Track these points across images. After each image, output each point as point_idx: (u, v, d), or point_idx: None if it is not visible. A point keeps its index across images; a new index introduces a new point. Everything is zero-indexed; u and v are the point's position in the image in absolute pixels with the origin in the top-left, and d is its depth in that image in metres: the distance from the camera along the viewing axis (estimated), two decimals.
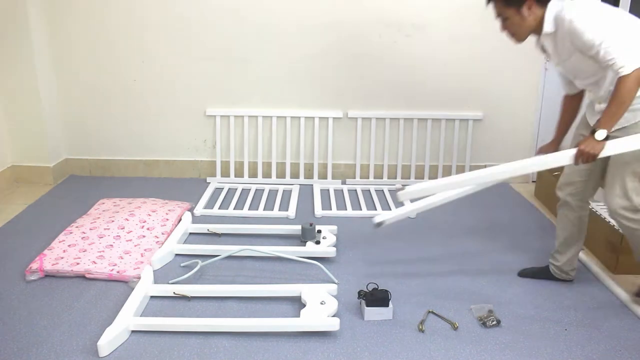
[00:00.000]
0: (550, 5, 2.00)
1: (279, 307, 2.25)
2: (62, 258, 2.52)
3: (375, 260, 2.67)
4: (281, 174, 3.80)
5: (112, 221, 2.83)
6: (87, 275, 2.44)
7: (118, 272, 2.45)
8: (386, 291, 2.19)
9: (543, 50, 2.16)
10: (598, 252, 2.70)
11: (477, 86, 3.64)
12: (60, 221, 2.97)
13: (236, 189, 3.63)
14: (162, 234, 2.83)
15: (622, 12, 1.97)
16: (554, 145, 2.37)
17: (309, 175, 3.82)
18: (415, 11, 3.53)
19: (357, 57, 3.61)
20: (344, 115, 3.74)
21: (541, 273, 2.50)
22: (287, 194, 3.55)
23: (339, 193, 3.61)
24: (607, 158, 2.09)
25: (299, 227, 2.82)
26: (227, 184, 3.72)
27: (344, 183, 3.80)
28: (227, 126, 3.75)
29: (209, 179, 3.80)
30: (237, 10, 3.51)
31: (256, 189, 3.62)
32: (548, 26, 2.00)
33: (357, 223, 3.12)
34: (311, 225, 2.76)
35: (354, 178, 3.83)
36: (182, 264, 2.59)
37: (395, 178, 3.82)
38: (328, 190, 3.65)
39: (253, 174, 3.81)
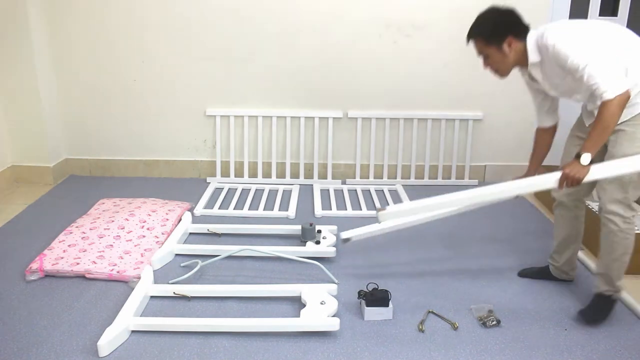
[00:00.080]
0: (529, 37, 2.04)
1: (279, 307, 2.25)
2: (62, 258, 2.52)
3: (375, 260, 2.67)
4: (281, 174, 3.80)
5: (112, 221, 2.83)
6: (87, 275, 2.44)
7: (118, 272, 2.45)
8: (386, 291, 2.19)
9: (532, 79, 2.16)
10: (598, 252, 2.69)
11: (477, 86, 3.64)
12: (60, 221, 2.97)
13: (236, 189, 3.63)
14: (162, 234, 2.83)
15: (602, 28, 1.98)
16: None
17: (309, 175, 3.82)
18: (415, 11, 3.53)
19: (357, 57, 3.61)
20: (344, 115, 3.74)
21: (541, 273, 2.51)
22: (287, 194, 3.55)
23: (339, 193, 3.61)
24: (603, 155, 2.09)
25: (299, 227, 2.82)
26: (227, 184, 3.72)
27: (344, 183, 3.80)
28: (227, 126, 3.75)
29: (209, 179, 3.80)
30: (237, 10, 3.51)
31: (256, 189, 3.62)
32: (533, 56, 2.03)
33: (357, 223, 3.10)
34: (311, 225, 2.76)
35: (354, 178, 3.83)
36: (182, 264, 2.59)
37: (395, 178, 3.82)
38: (328, 190, 3.65)
39: (253, 174, 3.81)
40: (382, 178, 3.81)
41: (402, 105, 3.72)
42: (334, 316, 2.10)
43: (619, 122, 1.95)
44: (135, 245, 2.68)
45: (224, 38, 3.57)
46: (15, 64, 3.45)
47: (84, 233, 2.73)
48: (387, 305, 2.17)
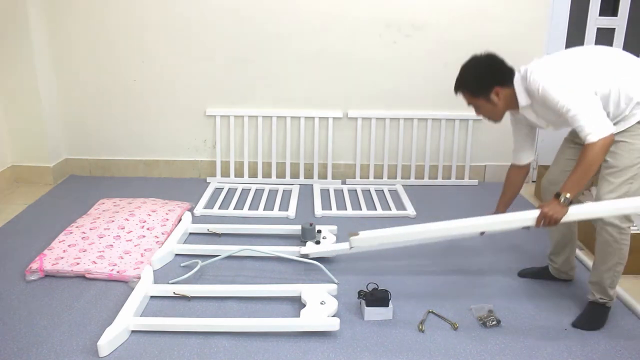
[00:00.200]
0: (515, 81, 2.05)
1: (279, 307, 2.25)
2: (62, 258, 2.52)
3: (375, 260, 2.66)
4: (281, 174, 3.80)
5: (112, 221, 2.83)
6: (87, 275, 2.44)
7: (118, 272, 2.45)
8: (386, 291, 2.19)
9: (526, 119, 2.17)
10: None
11: None
12: (60, 221, 2.97)
13: (236, 189, 3.63)
14: (162, 234, 2.83)
15: (588, 59, 1.99)
16: None
17: (309, 175, 3.82)
18: (415, 11, 3.53)
19: (357, 57, 3.61)
20: (344, 115, 3.74)
21: (541, 273, 2.51)
22: (287, 194, 3.55)
23: (339, 193, 3.61)
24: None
25: (299, 227, 2.82)
26: (227, 184, 3.72)
27: (344, 183, 3.80)
28: (227, 126, 3.75)
29: (209, 179, 3.80)
30: (237, 10, 3.51)
31: (256, 189, 3.62)
32: (523, 100, 2.04)
33: (357, 223, 3.12)
34: (311, 225, 2.76)
35: (354, 178, 3.83)
36: (182, 264, 2.59)
37: (395, 178, 3.82)
38: (328, 190, 3.65)
39: (253, 174, 3.81)
40: (382, 178, 3.81)
41: (402, 105, 3.72)
42: (334, 316, 2.10)
43: (620, 129, 1.96)
44: (135, 245, 2.68)
45: (224, 38, 3.57)
46: (15, 64, 3.45)
47: (84, 233, 2.73)
48: (387, 305, 2.17)
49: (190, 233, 2.94)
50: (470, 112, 3.70)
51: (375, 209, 3.31)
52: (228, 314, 2.20)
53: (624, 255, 2.05)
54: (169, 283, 2.39)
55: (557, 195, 1.94)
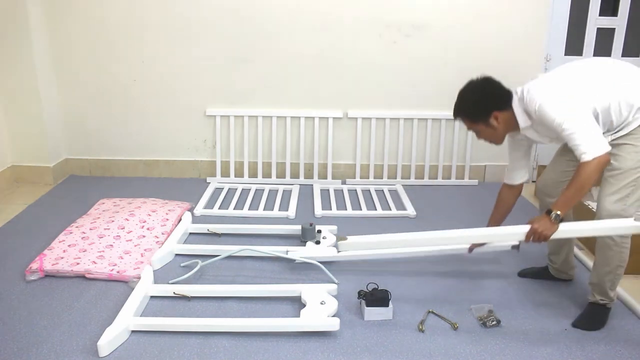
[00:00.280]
0: (514, 102, 2.05)
1: (279, 307, 2.25)
2: (62, 258, 2.52)
3: (375, 260, 2.66)
4: (281, 174, 3.80)
5: (112, 221, 2.83)
6: (87, 275, 2.44)
7: (118, 272, 2.45)
8: (386, 291, 2.19)
9: (526, 139, 2.18)
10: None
11: None
12: (60, 221, 2.97)
13: (236, 189, 3.63)
14: (162, 234, 2.83)
15: (585, 74, 1.99)
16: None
17: (309, 175, 3.82)
18: (415, 11, 3.53)
19: (357, 57, 3.61)
20: (344, 115, 3.74)
21: (541, 273, 2.51)
22: (287, 194, 3.55)
23: (339, 193, 3.61)
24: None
25: (299, 227, 2.81)
26: (227, 184, 3.72)
27: (344, 183, 3.80)
28: (227, 126, 3.75)
29: (209, 179, 3.80)
30: (237, 10, 3.51)
31: (256, 189, 3.62)
32: (523, 122, 2.05)
33: (357, 223, 3.12)
34: (311, 225, 2.76)
35: (354, 178, 3.83)
36: (182, 264, 2.59)
37: (395, 178, 3.82)
38: (328, 190, 3.65)
39: (253, 174, 3.81)
40: (382, 178, 3.81)
41: (402, 105, 3.72)
42: (334, 316, 2.10)
43: (621, 134, 1.97)
44: (135, 245, 2.68)
45: (224, 38, 3.57)
46: (15, 64, 3.45)
47: (84, 233, 2.73)
48: (387, 305, 2.17)
49: (190, 233, 2.93)
50: None
51: (375, 209, 3.31)
52: (228, 314, 2.20)
53: (625, 258, 2.05)
54: (169, 283, 2.39)
55: (549, 212, 1.95)
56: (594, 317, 2.15)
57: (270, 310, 2.23)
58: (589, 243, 2.73)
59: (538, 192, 2.35)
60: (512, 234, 2.09)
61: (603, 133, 1.99)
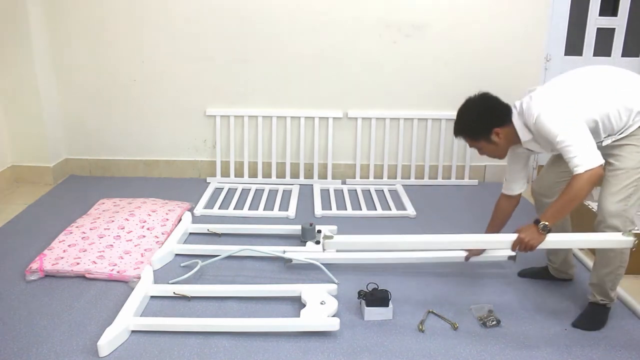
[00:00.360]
0: (513, 117, 2.05)
1: (279, 307, 2.25)
2: (62, 258, 2.52)
3: (375, 260, 2.66)
4: (281, 174, 3.80)
5: (112, 221, 2.83)
6: (87, 275, 2.44)
7: (118, 272, 2.45)
8: (386, 291, 2.19)
9: (527, 152, 2.18)
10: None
11: (478, 86, 3.61)
12: (60, 221, 2.97)
13: (236, 189, 3.63)
14: (162, 234, 2.83)
15: (584, 84, 2.00)
16: (482, 250, 2.47)
17: (309, 175, 3.82)
18: (415, 11, 3.53)
19: (357, 57, 3.61)
20: (344, 115, 3.74)
21: (541, 273, 2.51)
22: (287, 194, 3.55)
23: (339, 193, 3.61)
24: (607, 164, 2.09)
25: (299, 227, 2.82)
26: (227, 184, 3.72)
27: (344, 183, 3.80)
28: (227, 126, 3.75)
29: (209, 179, 3.80)
30: (237, 11, 3.51)
31: (256, 189, 3.62)
32: (524, 136, 2.05)
33: (357, 223, 3.12)
34: (311, 225, 2.76)
35: (354, 178, 3.83)
36: (182, 264, 2.59)
37: (395, 178, 3.82)
38: (328, 190, 3.65)
39: (253, 174, 3.81)
40: (382, 178, 3.81)
41: (402, 105, 3.72)
42: (334, 316, 2.10)
43: (623, 135, 1.97)
44: (136, 245, 2.68)
45: (224, 38, 3.57)
46: (15, 64, 3.45)
47: (84, 233, 2.73)
48: (387, 305, 2.17)
49: (190, 233, 2.93)
50: None
51: (375, 209, 3.31)
52: (228, 314, 2.20)
53: (625, 259, 2.05)
54: (169, 283, 2.39)
55: (537, 221, 1.95)
56: (594, 317, 2.15)
57: (270, 310, 2.23)
58: None
59: (534, 193, 2.36)
60: (498, 241, 2.10)
61: (605, 137, 2.01)
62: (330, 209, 3.30)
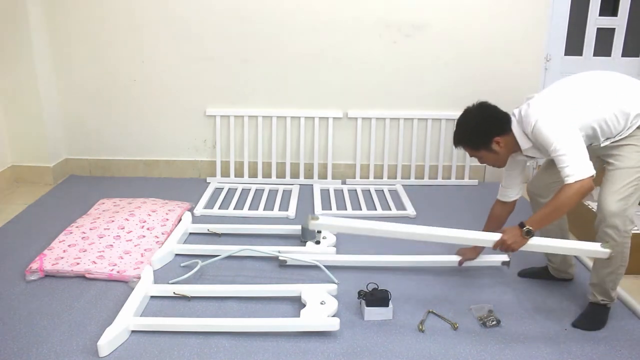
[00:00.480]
0: (513, 126, 2.06)
1: (279, 307, 2.25)
2: (62, 258, 2.52)
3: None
4: (281, 174, 3.80)
5: (112, 221, 2.83)
6: (87, 275, 2.44)
7: (118, 272, 2.45)
8: (386, 291, 2.19)
9: (526, 158, 2.19)
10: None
11: (477, 86, 3.64)
12: (60, 221, 2.97)
13: (236, 189, 3.63)
14: (162, 234, 2.83)
15: (582, 91, 2.00)
16: (476, 252, 2.50)
17: (309, 175, 3.82)
18: (415, 11, 3.53)
19: (357, 57, 3.61)
20: (344, 115, 3.74)
21: (541, 273, 2.51)
22: (287, 194, 3.55)
23: (339, 193, 3.61)
24: (601, 165, 2.10)
25: (299, 227, 2.82)
26: (227, 184, 3.72)
27: (344, 183, 3.80)
28: (227, 126, 3.75)
29: (209, 179, 3.80)
30: (237, 11, 3.51)
31: (256, 189, 3.62)
32: (524, 143, 2.06)
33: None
34: None
35: (354, 178, 3.83)
36: (182, 264, 2.59)
37: (395, 178, 3.82)
38: (328, 190, 3.65)
39: (253, 174, 3.81)
40: (382, 178, 3.81)
41: (402, 105, 3.73)
42: (334, 316, 2.10)
43: (624, 135, 1.98)
44: (135, 245, 2.68)
45: (223, 38, 3.57)
46: (15, 64, 3.45)
47: (84, 233, 2.73)
48: (387, 305, 2.17)
49: (190, 233, 2.93)
50: None
51: (375, 209, 3.31)
52: (228, 314, 2.20)
53: (626, 258, 2.05)
54: (169, 283, 2.39)
55: (522, 225, 1.99)
56: (594, 317, 2.16)
57: (270, 310, 2.23)
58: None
59: (530, 193, 2.37)
60: (482, 239, 2.11)
61: (603, 140, 2.01)
62: (330, 209, 3.30)
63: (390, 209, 3.31)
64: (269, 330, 2.07)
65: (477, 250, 2.51)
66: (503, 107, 2.11)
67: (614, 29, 3.68)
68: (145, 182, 3.75)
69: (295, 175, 3.81)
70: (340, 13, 3.52)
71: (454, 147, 2.18)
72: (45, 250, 2.58)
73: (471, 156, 2.17)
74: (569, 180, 1.87)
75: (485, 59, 3.62)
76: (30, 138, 3.62)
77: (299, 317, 2.10)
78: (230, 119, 3.72)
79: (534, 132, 1.96)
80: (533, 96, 2.09)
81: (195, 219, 3.12)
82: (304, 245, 2.71)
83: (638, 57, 3.77)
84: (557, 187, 2.01)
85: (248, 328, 2.07)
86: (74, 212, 3.10)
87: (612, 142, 2.00)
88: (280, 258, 2.56)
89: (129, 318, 2.06)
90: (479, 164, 3.77)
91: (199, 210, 3.22)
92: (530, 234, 1.98)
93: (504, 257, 2.53)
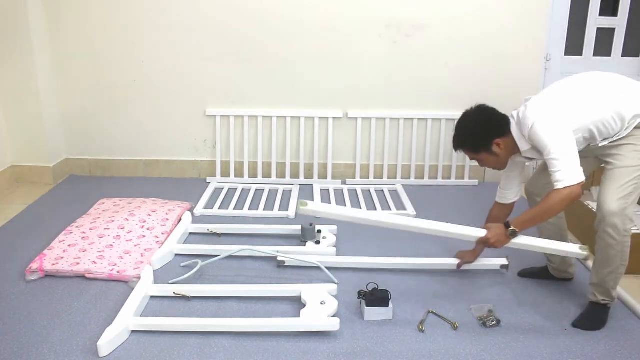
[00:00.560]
0: (512, 129, 2.08)
1: (279, 307, 2.25)
2: (62, 258, 2.52)
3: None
4: (281, 174, 3.80)
5: (112, 221, 2.83)
6: (87, 275, 2.44)
7: (118, 272, 2.45)
8: (386, 291, 2.19)
9: (525, 160, 2.20)
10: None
11: (477, 86, 3.64)
12: (60, 221, 2.97)
13: (236, 189, 3.63)
14: (162, 234, 2.83)
15: (580, 93, 2.01)
16: (474, 255, 2.50)
17: (309, 175, 3.82)
18: (415, 11, 3.53)
19: (357, 57, 3.61)
20: (344, 115, 3.74)
21: (541, 273, 2.51)
22: (287, 194, 3.55)
23: (339, 193, 3.61)
24: (598, 165, 2.10)
25: (299, 227, 2.82)
26: (227, 184, 3.72)
27: (344, 183, 3.80)
28: (227, 126, 3.75)
29: (209, 179, 3.80)
30: (237, 11, 3.51)
31: (256, 189, 3.62)
32: (523, 145, 2.07)
33: (357, 223, 3.11)
34: (311, 225, 2.76)
35: (354, 178, 3.83)
36: (182, 264, 2.59)
37: (395, 178, 3.82)
38: (328, 190, 3.65)
39: (253, 174, 3.81)
40: (382, 178, 3.81)
41: (402, 105, 3.72)
42: (334, 316, 2.10)
43: (622, 135, 1.99)
44: (135, 245, 2.68)
45: (224, 38, 3.57)
46: (15, 64, 3.45)
47: (84, 233, 2.73)
48: (387, 305, 2.17)
49: (190, 233, 2.93)
50: None
51: (375, 209, 3.31)
52: (228, 314, 2.20)
53: (626, 257, 2.05)
54: (169, 283, 2.39)
55: (507, 225, 2.03)
56: (594, 317, 2.16)
57: (270, 310, 2.23)
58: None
59: (527, 192, 2.37)
60: (467, 234, 2.16)
61: (601, 141, 2.02)
62: None
63: (390, 209, 3.31)
64: (269, 330, 2.07)
65: (475, 254, 2.51)
66: (503, 107, 2.11)
67: (614, 29, 3.68)
68: (145, 182, 3.75)
69: (295, 175, 3.81)
70: (341, 13, 3.52)
71: (454, 150, 2.19)
72: (45, 250, 2.58)
73: (471, 159, 2.18)
74: (559, 185, 1.89)
75: (485, 59, 3.62)
76: (30, 138, 3.62)
77: (299, 317, 2.10)
78: (230, 119, 3.72)
79: (531, 135, 1.97)
80: (530, 98, 2.10)
81: (195, 219, 3.12)
82: (304, 246, 2.71)
83: (638, 57, 3.77)
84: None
85: (248, 328, 2.07)
86: (74, 212, 3.10)
87: (611, 142, 2.01)
88: (278, 259, 2.56)
89: (129, 318, 2.06)
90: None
91: (199, 210, 3.22)
92: (514, 234, 2.02)
93: (503, 261, 2.53)
